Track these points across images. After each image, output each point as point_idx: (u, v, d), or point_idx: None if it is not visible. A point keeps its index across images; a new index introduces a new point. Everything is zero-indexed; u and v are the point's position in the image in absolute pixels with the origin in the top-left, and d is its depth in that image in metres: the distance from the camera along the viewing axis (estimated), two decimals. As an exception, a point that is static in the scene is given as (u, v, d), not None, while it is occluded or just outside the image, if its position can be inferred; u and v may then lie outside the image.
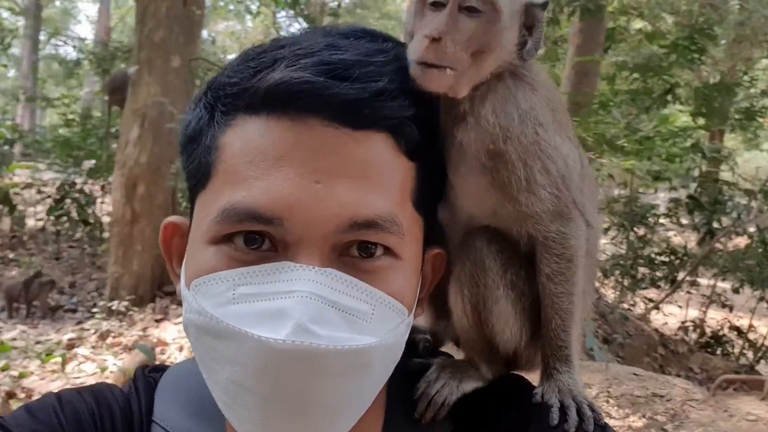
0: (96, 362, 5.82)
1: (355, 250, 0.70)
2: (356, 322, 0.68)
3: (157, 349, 5.79)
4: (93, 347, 6.26)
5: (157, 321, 6.91)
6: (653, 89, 9.23)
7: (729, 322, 8.32)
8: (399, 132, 0.72)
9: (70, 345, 6.30)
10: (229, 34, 25.82)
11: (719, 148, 9.78)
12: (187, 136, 0.77)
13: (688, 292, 8.51)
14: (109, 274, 7.66)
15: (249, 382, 0.66)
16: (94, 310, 7.13)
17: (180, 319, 6.30)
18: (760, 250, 7.73)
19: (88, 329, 6.63)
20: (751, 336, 7.96)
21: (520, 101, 0.84)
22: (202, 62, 8.31)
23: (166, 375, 0.89)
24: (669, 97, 8.98)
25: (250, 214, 0.67)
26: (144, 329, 6.67)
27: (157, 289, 7.58)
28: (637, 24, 11.28)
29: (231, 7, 22.10)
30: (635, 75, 9.23)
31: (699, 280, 8.64)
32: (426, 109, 0.77)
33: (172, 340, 6.35)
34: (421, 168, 0.76)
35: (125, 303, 6.92)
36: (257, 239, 0.68)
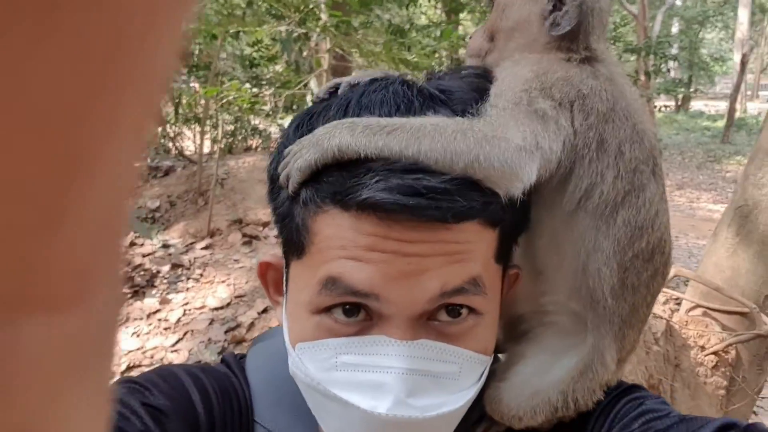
0: None
1: (444, 314, 0.74)
2: (446, 384, 0.74)
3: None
4: None
5: None
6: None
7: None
8: (485, 214, 0.74)
9: None
10: None
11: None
12: (275, 210, 0.81)
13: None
14: None
15: None
16: None
17: None
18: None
19: None
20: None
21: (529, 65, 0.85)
22: None
23: (252, 365, 0.94)
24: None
25: (348, 289, 0.71)
26: None
27: None
28: None
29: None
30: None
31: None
32: None
33: None
34: (504, 227, 0.78)
35: None
36: (354, 310, 0.73)
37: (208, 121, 8.01)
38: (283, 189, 0.77)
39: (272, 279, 0.90)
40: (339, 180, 0.71)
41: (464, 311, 0.75)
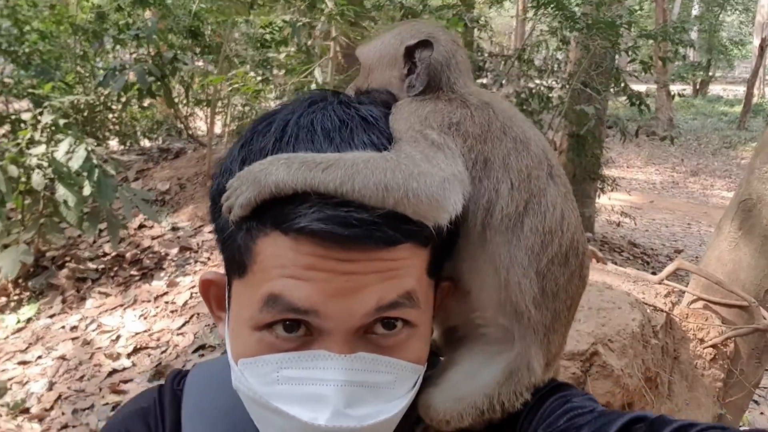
0: None
1: (380, 327, 0.78)
2: (383, 393, 0.79)
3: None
4: None
5: None
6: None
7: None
8: (415, 239, 0.78)
9: None
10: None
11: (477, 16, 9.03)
12: (217, 229, 0.84)
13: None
14: None
15: None
16: None
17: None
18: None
19: None
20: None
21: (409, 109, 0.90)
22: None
23: (190, 389, 0.97)
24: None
25: (289, 306, 0.74)
26: None
27: None
28: None
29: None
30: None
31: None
32: None
33: None
34: (435, 244, 0.82)
35: None
36: (295, 326, 0.76)
37: (219, 102, 8.04)
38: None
39: (214, 295, 0.93)
40: (278, 208, 0.75)
41: (399, 324, 0.79)
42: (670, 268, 3.79)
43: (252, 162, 0.78)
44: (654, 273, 4.86)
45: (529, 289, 0.89)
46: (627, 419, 0.80)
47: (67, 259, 5.85)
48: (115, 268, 5.78)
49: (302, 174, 0.75)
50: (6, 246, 5.36)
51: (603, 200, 9.89)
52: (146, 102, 8.50)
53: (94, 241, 6.08)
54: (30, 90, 6.98)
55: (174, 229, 6.29)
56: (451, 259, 0.89)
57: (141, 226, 6.38)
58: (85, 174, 5.04)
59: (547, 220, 0.89)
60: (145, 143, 9.12)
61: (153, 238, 6.13)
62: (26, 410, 4.16)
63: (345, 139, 0.80)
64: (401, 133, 0.86)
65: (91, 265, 5.80)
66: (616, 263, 8.99)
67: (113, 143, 8.97)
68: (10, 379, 4.48)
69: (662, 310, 3.70)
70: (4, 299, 5.52)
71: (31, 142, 5.31)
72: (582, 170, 8.64)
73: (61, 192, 5.05)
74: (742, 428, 0.80)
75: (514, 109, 0.98)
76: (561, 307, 0.92)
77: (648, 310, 3.64)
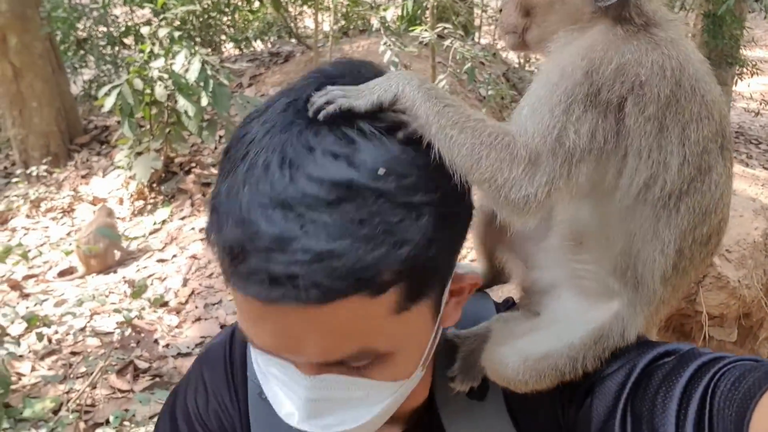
0: (37, 230, 5.87)
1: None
2: (353, 405, 0.78)
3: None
4: (28, 216, 6.25)
5: (84, 177, 6.77)
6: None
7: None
8: (368, 288, 0.68)
9: (2, 219, 6.29)
10: None
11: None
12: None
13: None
14: (11, 136, 7.23)
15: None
16: (15, 179, 6.87)
17: (108, 171, 6.47)
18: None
19: (14, 199, 6.45)
20: None
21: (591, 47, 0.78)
22: None
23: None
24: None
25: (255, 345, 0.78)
26: (74, 189, 6.55)
27: (69, 144, 7.25)
28: None
29: None
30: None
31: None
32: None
33: (108, 194, 6.28)
34: (415, 274, 0.71)
35: (44, 166, 6.72)
36: None
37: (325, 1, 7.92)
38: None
39: None
40: (225, 265, 0.72)
41: (366, 359, 0.75)
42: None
43: (236, 261, 0.70)
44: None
45: (662, 265, 0.82)
46: (655, 353, 0.78)
47: (193, 165, 6.29)
48: (235, 173, 6.13)
49: (425, 97, 0.75)
50: (139, 154, 5.84)
51: (741, 87, 8.94)
52: (255, 4, 8.56)
53: (216, 147, 6.45)
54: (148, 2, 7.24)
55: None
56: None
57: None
58: (201, 85, 5.27)
59: (705, 200, 0.80)
60: (258, 46, 9.29)
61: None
62: (165, 303, 4.69)
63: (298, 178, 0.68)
64: (544, 100, 0.77)
65: (214, 171, 6.19)
66: (752, 157, 8.21)
67: (229, 47, 9.23)
68: (150, 275, 5.03)
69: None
70: (141, 202, 6.10)
71: (152, 55, 5.60)
72: (718, 54, 7.79)
73: (182, 103, 5.35)
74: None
75: (698, 52, 0.83)
76: (685, 283, 0.86)
77: (776, 217, 3.36)
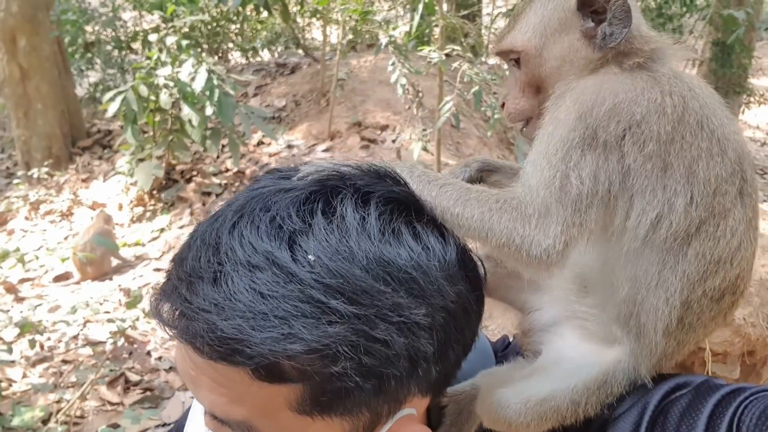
0: (35, 233, 5.82)
1: None
2: None
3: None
4: (27, 218, 6.21)
5: (84, 181, 6.77)
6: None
7: None
8: (249, 363, 0.66)
9: (1, 220, 6.27)
10: None
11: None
12: None
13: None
14: (15, 137, 7.31)
15: None
16: (16, 181, 6.89)
17: (108, 176, 6.47)
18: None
19: (14, 200, 6.47)
20: None
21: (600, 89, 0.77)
22: None
23: None
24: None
25: None
26: (74, 193, 6.55)
27: (72, 147, 7.32)
28: None
29: None
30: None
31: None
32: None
33: (108, 199, 6.25)
34: (315, 385, 0.68)
35: (45, 169, 6.75)
36: None
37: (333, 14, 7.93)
38: None
39: None
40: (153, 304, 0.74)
41: None
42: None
43: (188, 280, 0.70)
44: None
45: (666, 317, 0.78)
46: (667, 388, 0.76)
47: (194, 173, 6.26)
48: (236, 183, 6.11)
49: (422, 183, 0.75)
50: (141, 160, 5.81)
51: (747, 116, 8.94)
52: (263, 14, 8.56)
53: (218, 157, 6.43)
54: (157, 9, 7.25)
55: (289, 146, 6.48)
56: None
57: (259, 143, 6.63)
58: (206, 94, 5.25)
59: (719, 247, 0.76)
60: (265, 56, 9.29)
61: (270, 155, 6.37)
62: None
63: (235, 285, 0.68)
64: (542, 154, 0.78)
65: (215, 180, 6.16)
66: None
67: (236, 55, 9.23)
68: (146, 284, 4.98)
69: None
70: (141, 209, 6.06)
71: (159, 62, 5.58)
72: (725, 82, 7.80)
73: (186, 111, 5.33)
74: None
75: (707, 86, 0.81)
76: (691, 339, 0.82)
77: (783, 255, 3.31)
